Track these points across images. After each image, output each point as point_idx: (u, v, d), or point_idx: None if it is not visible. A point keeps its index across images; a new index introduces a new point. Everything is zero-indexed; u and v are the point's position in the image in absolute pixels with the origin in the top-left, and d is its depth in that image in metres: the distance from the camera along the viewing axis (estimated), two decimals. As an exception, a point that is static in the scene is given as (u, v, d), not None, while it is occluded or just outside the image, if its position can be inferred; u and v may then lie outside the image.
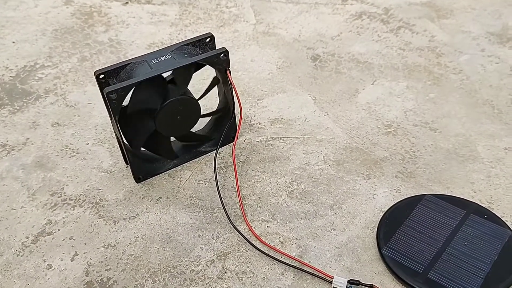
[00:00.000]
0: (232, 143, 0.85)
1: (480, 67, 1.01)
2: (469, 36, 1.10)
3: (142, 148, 0.80)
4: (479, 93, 0.95)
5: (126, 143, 0.77)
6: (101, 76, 0.73)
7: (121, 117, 0.73)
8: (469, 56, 1.04)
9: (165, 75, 0.75)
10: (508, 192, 0.77)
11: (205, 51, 0.79)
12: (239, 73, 1.02)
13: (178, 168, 0.84)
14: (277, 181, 0.81)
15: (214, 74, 0.83)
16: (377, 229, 0.72)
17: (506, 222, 0.71)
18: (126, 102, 0.73)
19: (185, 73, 0.78)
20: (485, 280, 0.64)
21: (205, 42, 0.79)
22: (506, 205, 0.75)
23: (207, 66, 0.78)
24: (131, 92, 0.72)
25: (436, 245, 0.68)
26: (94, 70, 0.75)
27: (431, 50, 1.06)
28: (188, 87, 0.80)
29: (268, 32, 1.14)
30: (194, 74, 0.79)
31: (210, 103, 0.90)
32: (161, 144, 0.81)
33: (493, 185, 0.79)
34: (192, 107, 0.79)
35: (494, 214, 0.72)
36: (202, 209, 0.77)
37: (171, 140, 0.83)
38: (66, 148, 0.88)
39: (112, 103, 0.70)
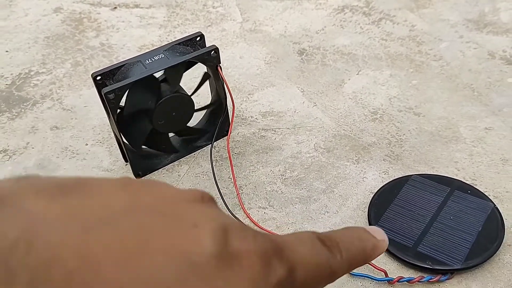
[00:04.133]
0: (226, 136, 0.89)
1: (459, 53, 1.06)
2: (448, 24, 1.14)
3: (144, 146, 0.83)
4: (459, 78, 1.00)
5: (126, 141, 0.80)
6: (98, 77, 0.77)
7: (119, 122, 0.77)
8: (449, 43, 1.09)
9: (157, 75, 0.78)
10: (489, 169, 0.82)
11: (196, 49, 0.82)
12: (229, 70, 1.06)
13: (175, 163, 0.87)
14: (271, 170, 0.85)
15: (204, 72, 0.86)
16: (368, 209, 0.76)
17: (488, 196, 0.76)
18: (121, 104, 0.76)
19: (176, 71, 0.81)
20: (470, 250, 0.68)
21: (195, 40, 0.83)
22: (488, 181, 0.80)
23: (198, 65, 0.81)
24: (125, 95, 0.75)
25: (423, 221, 0.73)
26: (91, 73, 0.79)
27: (412, 39, 1.11)
28: (181, 85, 0.83)
29: (254, 29, 1.18)
30: (185, 73, 0.82)
31: (202, 99, 0.93)
32: (160, 141, 0.84)
33: (476, 162, 0.83)
34: (185, 103, 0.82)
35: (477, 189, 0.77)
36: (201, 200, 0.81)
37: (170, 136, 0.86)
38: (66, 150, 0.91)
39: (110, 102, 0.73)
